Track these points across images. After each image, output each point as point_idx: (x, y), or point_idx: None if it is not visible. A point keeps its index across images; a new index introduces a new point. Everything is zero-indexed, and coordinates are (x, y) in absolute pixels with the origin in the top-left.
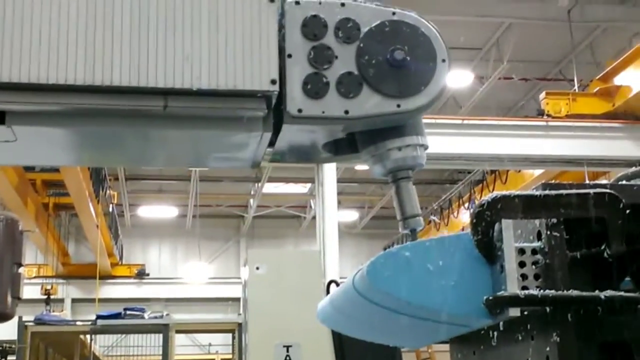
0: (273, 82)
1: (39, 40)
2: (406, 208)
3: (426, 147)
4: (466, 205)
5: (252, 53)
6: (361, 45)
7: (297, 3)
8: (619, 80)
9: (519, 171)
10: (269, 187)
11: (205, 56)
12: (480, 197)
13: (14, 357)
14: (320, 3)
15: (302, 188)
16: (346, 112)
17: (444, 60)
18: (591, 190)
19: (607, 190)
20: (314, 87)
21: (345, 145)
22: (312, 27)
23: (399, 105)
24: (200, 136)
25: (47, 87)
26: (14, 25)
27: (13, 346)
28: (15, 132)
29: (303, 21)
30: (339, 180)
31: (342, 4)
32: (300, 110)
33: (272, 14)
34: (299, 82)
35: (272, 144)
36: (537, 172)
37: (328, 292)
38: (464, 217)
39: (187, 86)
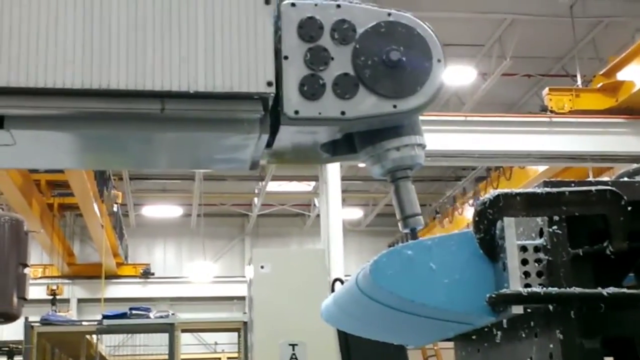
0: (269, 84)
1: (36, 44)
2: (406, 207)
3: (424, 147)
4: (470, 202)
5: (248, 55)
6: (357, 46)
7: (293, 5)
8: (622, 75)
9: (523, 167)
10: (273, 186)
11: (202, 59)
12: (485, 193)
13: (21, 358)
14: (316, 5)
15: (306, 186)
16: (343, 113)
17: (439, 61)
18: (593, 188)
19: (609, 188)
20: (311, 89)
21: (344, 145)
22: (308, 29)
23: (395, 106)
24: (198, 138)
25: (44, 91)
26: (12, 30)
27: (19, 346)
28: (14, 136)
29: (299, 23)
30: (342, 178)
31: (338, 6)
32: (297, 112)
33: (268, 16)
34: (295, 83)
35: (269, 145)
36: (541, 168)
37: (333, 290)
38: (469, 213)
39: (184, 89)
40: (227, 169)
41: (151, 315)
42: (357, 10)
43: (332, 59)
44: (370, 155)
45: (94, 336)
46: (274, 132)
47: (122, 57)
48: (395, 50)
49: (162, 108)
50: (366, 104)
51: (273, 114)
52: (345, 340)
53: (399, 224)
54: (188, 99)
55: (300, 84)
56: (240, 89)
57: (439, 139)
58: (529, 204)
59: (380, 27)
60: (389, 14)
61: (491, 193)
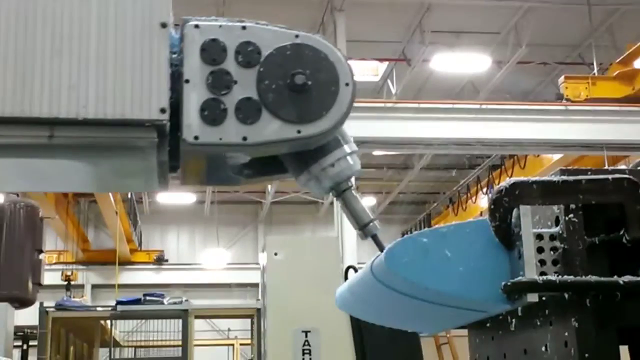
0: (162, 110)
1: None
2: (360, 217)
3: (357, 152)
4: (484, 190)
5: (141, 81)
6: (261, 69)
7: (197, 27)
8: (638, 63)
9: (538, 156)
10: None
11: (93, 84)
12: (499, 182)
13: (36, 343)
14: (220, 26)
15: None
16: (244, 138)
17: (347, 84)
18: (610, 176)
19: (626, 176)
20: (211, 114)
21: (272, 165)
22: (211, 52)
23: (299, 131)
24: (93, 163)
25: None
26: None
27: (34, 331)
28: None
29: (202, 45)
30: None
31: (244, 27)
32: (196, 138)
33: (163, 40)
34: (196, 108)
35: (176, 168)
36: (556, 156)
37: (346, 277)
38: (482, 202)
39: (73, 116)
40: (130, 190)
41: (165, 301)
42: (264, 32)
43: (235, 82)
44: (308, 179)
45: (108, 322)
46: (177, 156)
47: (8, 82)
48: (301, 74)
49: (50, 135)
50: (269, 129)
51: (174, 137)
52: (359, 328)
53: (358, 235)
54: (78, 126)
55: (201, 108)
56: (132, 116)
57: (454, 127)
58: (545, 192)
59: (286, 49)
60: (297, 36)
61: (507, 181)
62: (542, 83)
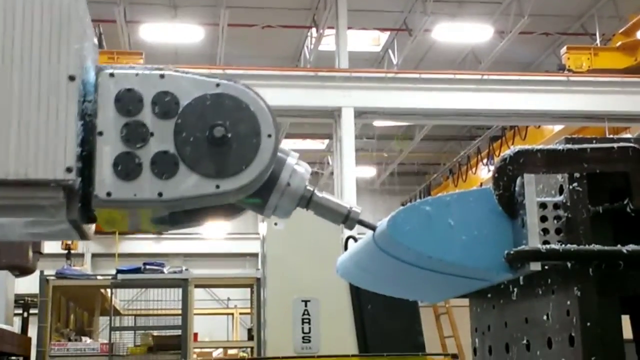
0: (69, 170)
1: None
2: (336, 212)
3: (297, 155)
4: (484, 161)
5: (47, 138)
6: (179, 121)
7: (112, 75)
8: None
9: (539, 127)
10: (287, 143)
11: None
12: (499, 153)
13: (36, 311)
14: (137, 75)
15: (320, 144)
16: (160, 194)
17: (269, 136)
18: (615, 145)
19: (631, 145)
20: (125, 168)
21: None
22: (126, 102)
23: (218, 186)
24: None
25: None
26: None
27: (35, 300)
28: None
29: (116, 95)
30: (356, 137)
31: (162, 76)
32: (109, 194)
33: (72, 95)
34: (109, 162)
35: (94, 219)
36: (557, 127)
37: (346, 247)
38: (483, 173)
39: None
40: (50, 240)
41: (165, 270)
42: (183, 80)
43: (152, 134)
44: (273, 211)
45: (108, 290)
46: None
47: None
48: (220, 126)
49: None
50: (186, 184)
51: (86, 192)
52: (358, 297)
53: (343, 228)
54: None
55: (114, 163)
56: (36, 176)
57: (455, 97)
58: (550, 160)
59: (206, 99)
60: (218, 85)
61: (512, 149)
62: (544, 53)
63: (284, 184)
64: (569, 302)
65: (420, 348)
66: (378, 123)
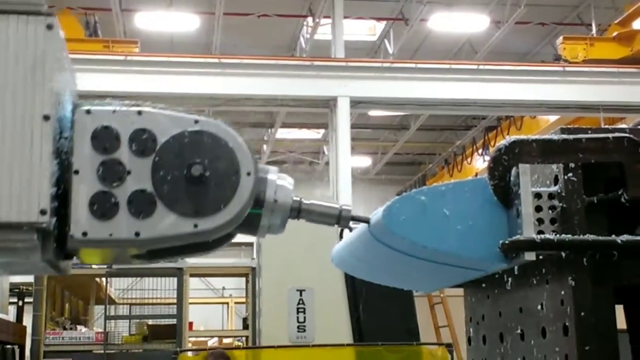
0: (43, 212)
1: None
2: (328, 215)
3: (276, 169)
4: (480, 151)
5: (19, 180)
6: (157, 159)
7: (89, 112)
8: (638, 24)
9: (534, 117)
10: (283, 133)
11: None
12: (494, 143)
13: (31, 299)
14: (114, 112)
15: (315, 134)
16: (137, 234)
17: (249, 174)
18: (610, 135)
19: (627, 135)
20: (101, 208)
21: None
22: (103, 140)
23: (196, 225)
24: None
25: None
26: None
27: (30, 288)
28: None
29: (93, 133)
30: (352, 126)
31: (139, 112)
32: (85, 234)
33: (46, 135)
34: (85, 202)
35: (71, 255)
36: (553, 118)
37: (341, 237)
38: (478, 163)
39: None
40: (25, 274)
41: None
42: (161, 117)
43: (129, 172)
44: (266, 231)
45: (104, 279)
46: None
47: None
48: (198, 164)
49: None
50: (164, 224)
51: (62, 231)
52: (353, 287)
53: (340, 227)
54: None
55: (90, 202)
56: (8, 219)
57: (451, 87)
58: (545, 150)
59: (184, 137)
60: (196, 122)
61: (507, 139)
62: (541, 44)
63: (271, 202)
64: (563, 292)
65: (415, 337)
66: (374, 113)
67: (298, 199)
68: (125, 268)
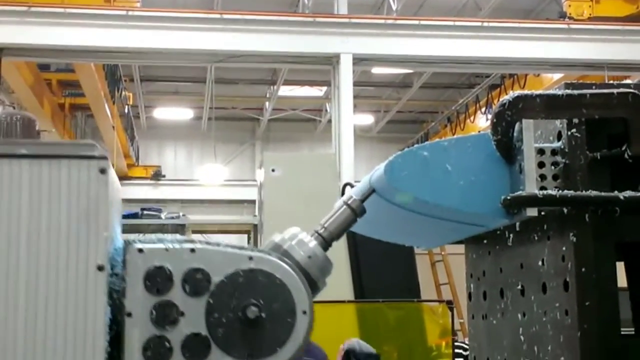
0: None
1: None
2: (346, 221)
3: (280, 236)
4: (483, 110)
5: (75, 333)
6: (210, 300)
7: (141, 251)
8: None
9: (538, 75)
10: (285, 90)
11: (21, 337)
12: (498, 101)
13: None
14: (167, 250)
15: (317, 91)
16: None
17: (304, 312)
18: (615, 90)
19: (631, 90)
20: (155, 354)
21: None
22: (155, 281)
23: None
24: None
25: None
26: None
27: None
28: None
29: (145, 273)
30: (355, 84)
31: (192, 250)
32: None
33: (100, 285)
34: (139, 347)
35: None
36: (557, 76)
37: (343, 194)
38: (481, 121)
39: None
40: None
41: (162, 216)
42: (214, 255)
43: (183, 314)
44: (321, 280)
45: None
46: None
47: None
48: (253, 306)
49: None
50: None
51: None
52: (354, 243)
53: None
54: None
55: (143, 347)
56: None
57: (454, 44)
58: (549, 105)
59: (239, 276)
60: (251, 258)
61: (511, 94)
62: (545, 1)
63: (306, 261)
64: (564, 248)
65: (416, 294)
66: (377, 70)
67: (318, 232)
68: (128, 224)
